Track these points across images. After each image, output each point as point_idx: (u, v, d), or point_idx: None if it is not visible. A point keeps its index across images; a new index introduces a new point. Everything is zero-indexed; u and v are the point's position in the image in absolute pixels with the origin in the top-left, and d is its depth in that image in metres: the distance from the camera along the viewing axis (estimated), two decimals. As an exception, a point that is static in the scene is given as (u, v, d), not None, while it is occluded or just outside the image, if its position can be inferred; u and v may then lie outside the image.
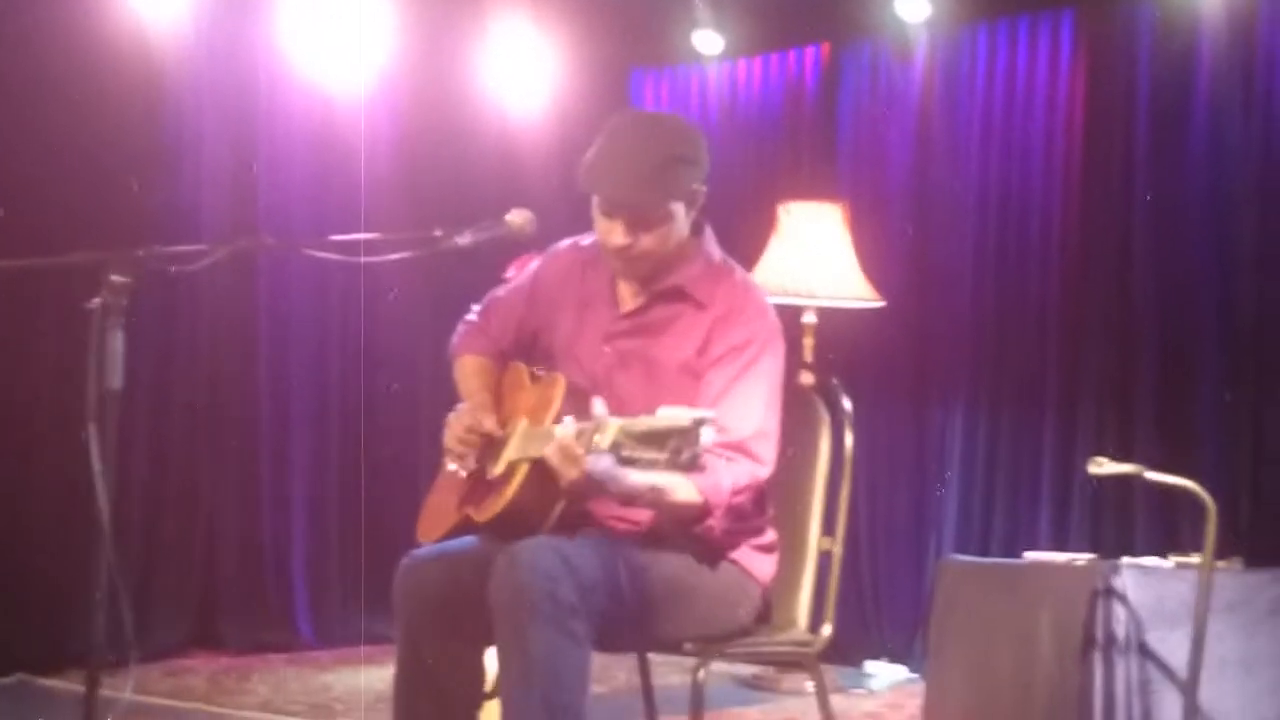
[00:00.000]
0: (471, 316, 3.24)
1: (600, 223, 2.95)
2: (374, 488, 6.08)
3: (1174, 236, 5.39)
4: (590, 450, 2.61)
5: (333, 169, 5.92)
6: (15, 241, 4.65)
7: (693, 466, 2.50)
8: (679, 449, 2.48)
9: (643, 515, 2.89)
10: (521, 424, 2.89)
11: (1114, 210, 5.53)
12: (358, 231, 2.88)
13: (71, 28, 5.13)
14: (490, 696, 3.07)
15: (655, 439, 2.49)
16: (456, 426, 2.97)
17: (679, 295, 3.01)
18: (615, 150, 2.91)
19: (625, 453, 2.53)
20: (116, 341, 2.52)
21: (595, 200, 2.93)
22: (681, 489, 2.80)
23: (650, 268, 2.99)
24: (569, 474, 2.68)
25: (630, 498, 2.80)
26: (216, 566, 5.67)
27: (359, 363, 6.07)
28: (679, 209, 2.94)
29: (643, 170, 2.88)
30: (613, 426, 2.56)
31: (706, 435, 2.48)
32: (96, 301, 2.52)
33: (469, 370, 3.15)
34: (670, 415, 2.51)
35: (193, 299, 5.53)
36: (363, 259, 2.91)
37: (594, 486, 2.74)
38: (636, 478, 2.65)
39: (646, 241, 2.93)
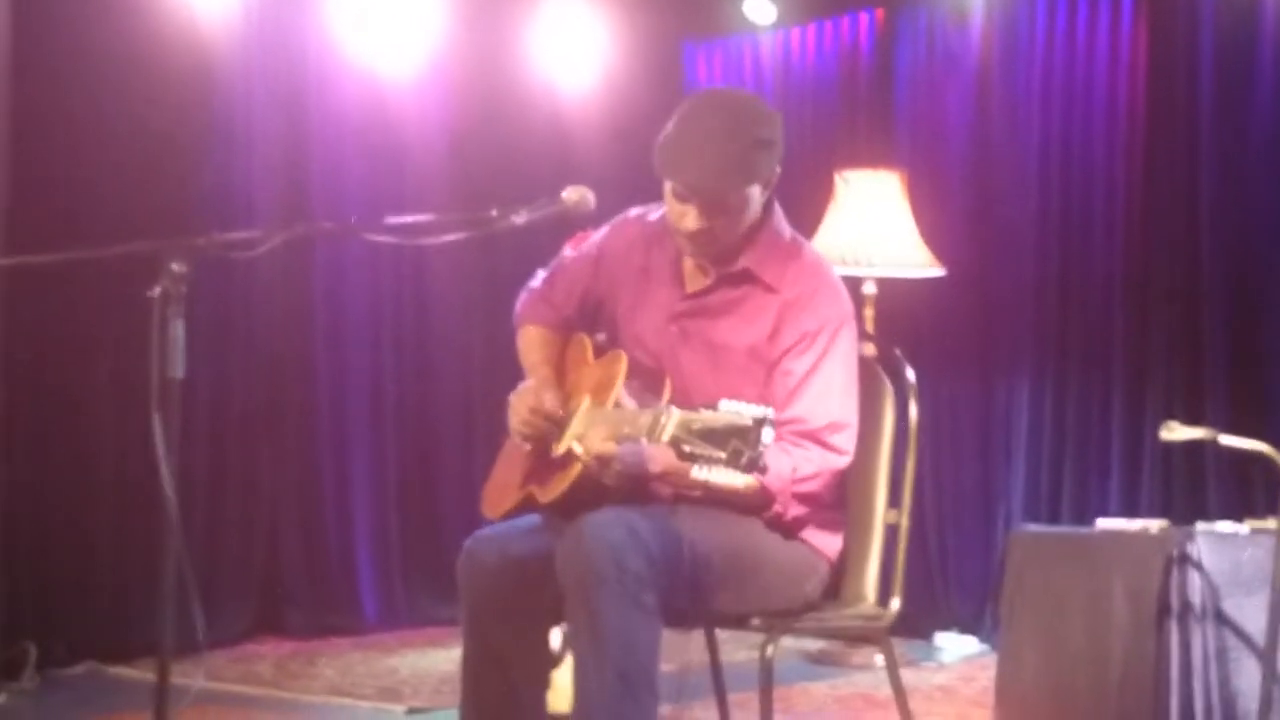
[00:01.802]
0: (535, 284, 3.20)
1: (674, 206, 2.89)
2: (433, 469, 6.10)
3: (1240, 196, 5.31)
4: (652, 441, 2.58)
5: (385, 152, 5.92)
6: (72, 233, 4.68)
7: (753, 468, 2.47)
8: (739, 450, 2.45)
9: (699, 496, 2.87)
10: (585, 402, 2.87)
11: (1179, 171, 5.44)
12: (411, 214, 2.85)
13: (124, 17, 5.14)
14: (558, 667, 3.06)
15: (715, 437, 2.47)
16: (520, 407, 2.94)
17: (747, 277, 2.96)
18: (695, 134, 2.85)
19: (685, 448, 2.50)
20: (178, 330, 2.51)
21: (671, 184, 2.89)
22: (739, 483, 2.77)
23: (720, 249, 2.95)
24: (607, 450, 2.69)
25: (685, 484, 2.78)
26: (280, 552, 5.69)
27: (415, 345, 6.07)
28: (755, 192, 2.90)
29: (725, 157, 2.83)
30: (674, 419, 2.53)
31: (767, 435, 2.45)
32: (157, 290, 2.51)
33: (533, 341, 3.12)
34: (731, 411, 2.47)
35: (248, 286, 5.54)
36: (419, 241, 2.88)
37: (655, 479, 2.72)
38: (696, 474, 2.62)
39: (720, 224, 2.88)
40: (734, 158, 2.84)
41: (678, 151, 2.85)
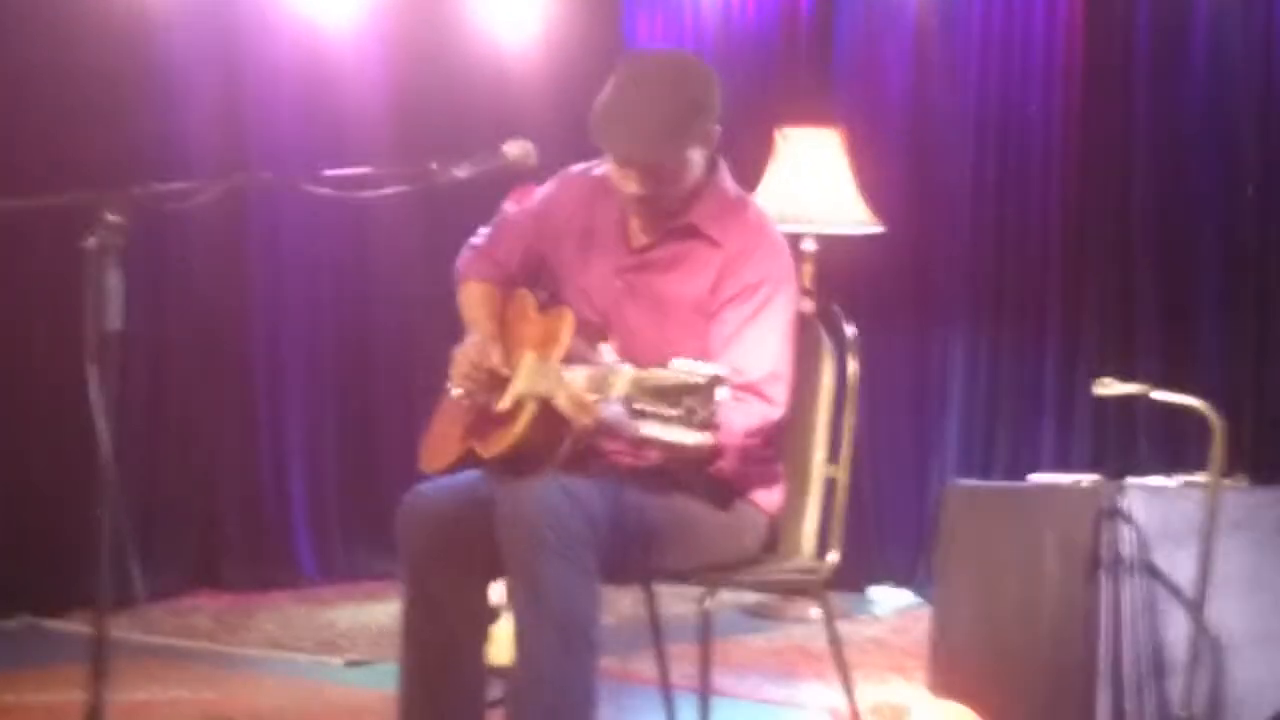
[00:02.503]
0: (477, 240, 3.20)
1: (615, 171, 2.91)
2: (371, 422, 6.08)
3: (1175, 153, 5.36)
4: (602, 398, 2.59)
5: (323, 105, 5.86)
6: (3, 183, 4.62)
7: (707, 426, 2.49)
8: (693, 408, 2.46)
9: (651, 452, 2.88)
10: (528, 358, 2.86)
11: (1115, 128, 5.49)
12: (349, 166, 2.83)
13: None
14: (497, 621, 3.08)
15: (669, 395, 2.48)
16: (463, 362, 2.95)
17: (691, 232, 2.98)
18: (628, 102, 2.86)
19: (637, 405, 2.51)
20: (113, 281, 2.49)
21: (610, 152, 2.89)
22: (692, 436, 2.78)
23: (664, 209, 2.96)
24: (581, 420, 2.68)
25: (641, 444, 2.79)
26: (216, 506, 5.67)
27: (354, 299, 6.04)
28: (694, 154, 2.91)
29: (658, 126, 2.85)
30: (625, 377, 2.54)
31: (721, 394, 2.46)
32: (92, 241, 2.49)
33: (474, 297, 3.12)
34: (684, 370, 2.48)
35: (184, 239, 5.49)
36: (358, 194, 2.87)
37: (605, 431, 2.73)
38: (648, 430, 2.63)
39: (660, 187, 2.90)
40: (667, 125, 2.85)
41: (611, 121, 2.87)
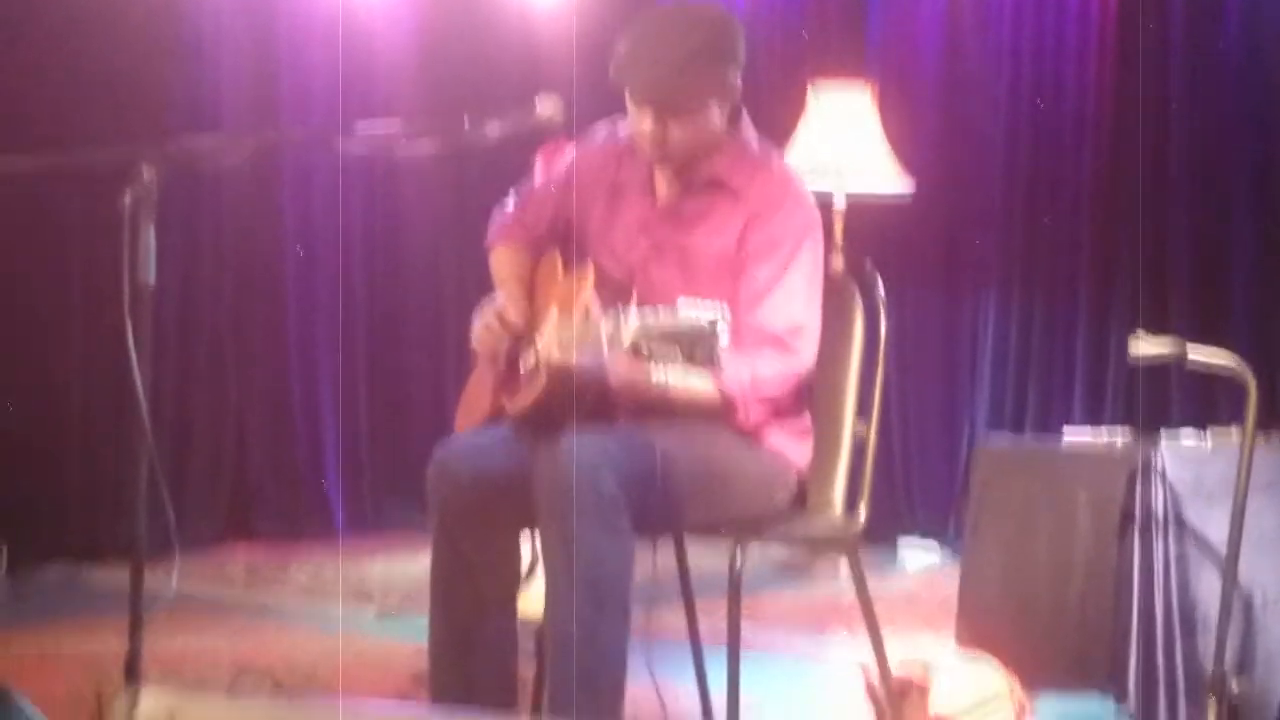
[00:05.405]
0: (507, 206, 3.22)
1: (632, 111, 2.92)
2: (403, 374, 6.10)
3: (1209, 108, 5.32)
4: (614, 345, 2.61)
5: (354, 61, 5.86)
6: (39, 140, 4.64)
7: (708, 363, 2.51)
8: (694, 349, 2.49)
9: (671, 409, 2.89)
10: (553, 314, 2.88)
11: (1149, 84, 5.44)
12: (381, 123, 2.84)
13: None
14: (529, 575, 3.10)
15: (673, 337, 2.50)
16: (482, 319, 2.97)
17: (715, 186, 2.98)
18: (645, 39, 2.87)
19: (644, 347, 2.54)
20: (148, 236, 2.50)
21: (627, 89, 2.90)
22: (699, 383, 2.80)
23: (684, 157, 2.95)
24: (578, 361, 2.70)
25: (650, 400, 2.81)
26: (249, 458, 5.71)
27: (385, 252, 6.05)
28: (713, 101, 2.90)
29: (673, 60, 2.84)
30: (633, 322, 2.56)
31: (723, 334, 2.48)
32: (127, 197, 2.50)
33: (503, 262, 3.14)
34: (689, 313, 2.51)
35: (217, 195, 5.51)
36: (389, 151, 2.88)
37: (614, 392, 2.74)
38: (656, 378, 2.65)
39: (677, 132, 2.89)
40: (682, 62, 2.84)
41: (630, 56, 2.87)
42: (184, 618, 4.28)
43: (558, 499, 2.70)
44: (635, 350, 2.55)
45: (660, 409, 2.86)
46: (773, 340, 2.89)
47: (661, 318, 2.53)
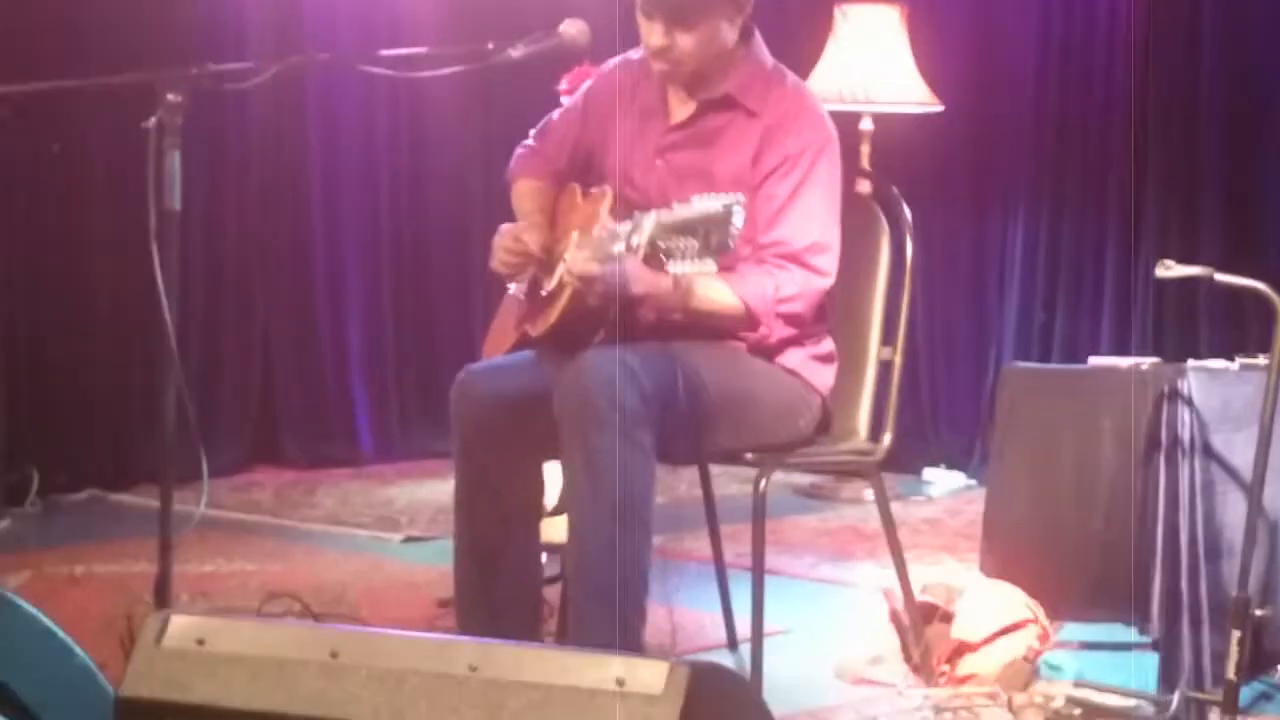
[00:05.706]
0: (528, 141, 3.22)
1: (642, 26, 2.92)
2: (429, 300, 6.11)
3: (1241, 26, 5.23)
4: (632, 249, 2.62)
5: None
6: (62, 64, 4.62)
7: (722, 249, 2.51)
8: (709, 235, 2.50)
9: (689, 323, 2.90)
10: (573, 238, 2.89)
11: (1181, 7, 5.36)
12: (406, 46, 2.83)
13: None
14: (555, 512, 3.12)
15: (689, 227, 2.52)
16: (500, 245, 2.98)
17: (729, 104, 2.98)
18: None
19: (662, 244, 2.56)
20: (174, 161, 2.51)
21: (638, 3, 2.89)
22: (720, 294, 2.80)
23: (694, 71, 2.95)
24: (589, 269, 2.71)
25: (672, 307, 2.80)
26: (276, 384, 5.72)
27: (411, 177, 6.03)
28: (721, 15, 2.89)
29: None
30: (650, 221, 2.58)
31: (738, 218, 2.49)
32: (153, 121, 2.50)
33: (524, 193, 3.16)
34: (704, 203, 2.53)
35: (241, 120, 5.49)
36: (414, 74, 2.87)
37: (638, 301, 2.75)
38: (673, 269, 2.65)
39: (685, 43, 2.89)
40: None
41: None
42: (213, 542, 4.33)
43: (579, 411, 2.71)
44: (653, 250, 2.57)
45: (683, 321, 2.86)
46: (793, 257, 2.89)
47: (677, 211, 2.55)
